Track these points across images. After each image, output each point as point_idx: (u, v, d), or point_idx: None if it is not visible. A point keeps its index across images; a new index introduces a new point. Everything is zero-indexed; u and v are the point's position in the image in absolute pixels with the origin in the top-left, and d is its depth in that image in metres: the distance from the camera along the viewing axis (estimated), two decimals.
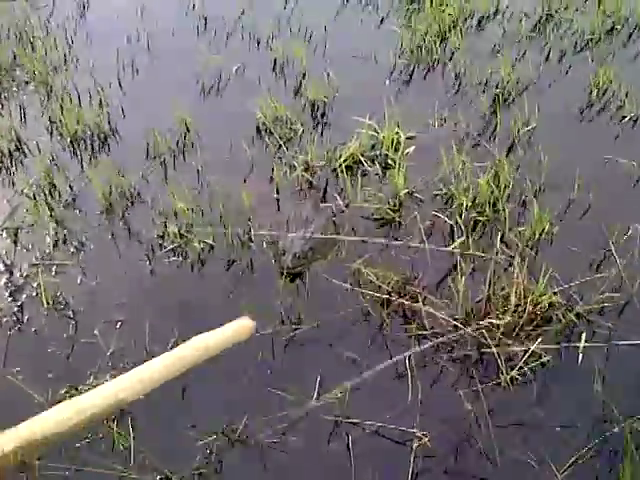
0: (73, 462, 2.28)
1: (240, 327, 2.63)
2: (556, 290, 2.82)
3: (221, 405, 2.48)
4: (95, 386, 2.47)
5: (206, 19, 4.77)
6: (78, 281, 2.94)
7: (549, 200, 3.28)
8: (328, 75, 4.07)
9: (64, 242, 3.12)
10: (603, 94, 4.12)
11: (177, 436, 2.39)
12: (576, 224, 3.26)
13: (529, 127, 3.76)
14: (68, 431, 2.30)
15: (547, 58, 4.45)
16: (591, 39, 4.63)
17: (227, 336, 2.57)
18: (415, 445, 2.38)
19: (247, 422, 2.41)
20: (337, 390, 2.51)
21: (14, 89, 4.07)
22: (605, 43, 4.59)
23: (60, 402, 2.41)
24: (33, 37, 4.46)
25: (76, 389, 2.51)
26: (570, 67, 4.37)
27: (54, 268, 2.99)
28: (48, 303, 2.81)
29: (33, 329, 2.74)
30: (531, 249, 3.04)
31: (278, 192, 3.41)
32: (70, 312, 2.81)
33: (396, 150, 3.59)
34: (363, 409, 2.48)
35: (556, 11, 4.89)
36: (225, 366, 2.57)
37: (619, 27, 4.75)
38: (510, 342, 2.69)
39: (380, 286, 2.87)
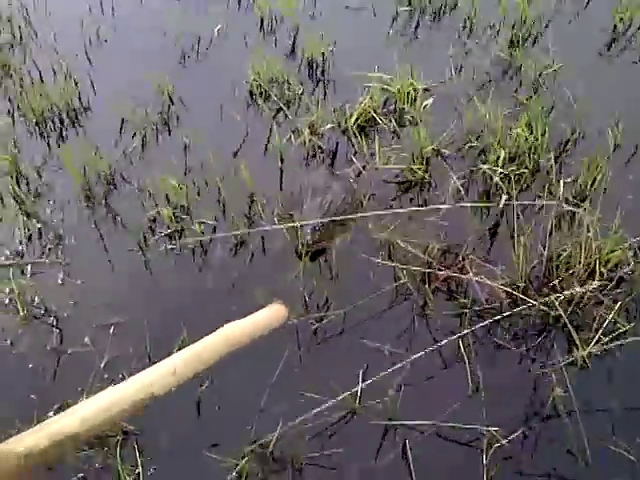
0: None
1: (273, 313, 2.22)
2: (625, 245, 2.39)
3: (246, 415, 2.03)
4: None
5: None
6: (59, 281, 2.46)
7: (591, 146, 2.86)
8: (323, 30, 3.57)
9: (38, 237, 2.63)
10: (628, 28, 3.68)
11: (195, 460, 1.94)
12: (628, 170, 2.84)
13: (554, 67, 3.32)
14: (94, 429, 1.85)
15: None
16: None
17: (259, 323, 2.16)
18: (486, 445, 1.96)
19: (280, 435, 1.97)
20: (383, 388, 2.08)
21: None
22: None
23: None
24: None
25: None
26: (589, 1, 3.92)
27: (29, 268, 2.51)
28: (24, 310, 2.34)
29: (8, 342, 2.27)
30: (584, 201, 2.61)
31: (282, 161, 2.93)
32: (52, 319, 2.34)
33: (412, 104, 3.13)
34: (417, 408, 2.04)
35: None
36: (246, 365, 2.12)
37: None
38: (581, 311, 2.27)
39: (418, 257, 2.43)
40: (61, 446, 1.77)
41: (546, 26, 3.69)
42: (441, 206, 2.60)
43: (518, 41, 3.56)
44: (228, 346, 2.06)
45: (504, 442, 1.94)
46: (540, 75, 3.30)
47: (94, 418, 1.83)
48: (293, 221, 2.51)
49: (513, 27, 3.67)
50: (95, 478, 1.91)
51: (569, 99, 3.06)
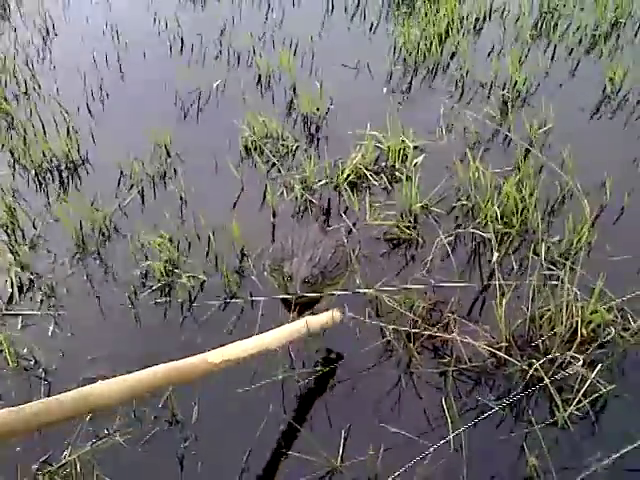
0: None
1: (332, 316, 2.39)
2: (606, 307, 2.42)
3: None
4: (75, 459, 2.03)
5: (182, 39, 4.38)
6: (49, 333, 2.49)
7: (579, 206, 2.91)
8: (320, 86, 3.69)
9: (30, 289, 2.68)
10: (619, 89, 3.79)
11: None
12: (612, 230, 2.89)
13: (545, 127, 3.41)
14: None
15: (553, 56, 4.12)
16: (596, 34, 4.33)
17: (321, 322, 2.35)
18: None
19: None
20: (367, 450, 2.08)
21: None
22: (612, 38, 4.29)
23: None
24: None
25: (50, 465, 2.06)
26: (579, 64, 4.05)
27: (19, 320, 2.54)
28: (14, 362, 2.36)
29: None
30: (569, 261, 2.65)
31: (275, 216, 3.00)
32: (41, 371, 2.36)
33: (403, 161, 3.22)
34: (398, 468, 2.05)
35: (555, 8, 4.59)
36: (231, 420, 2.14)
37: (622, 21, 4.45)
38: (562, 372, 2.29)
39: (405, 315, 2.46)
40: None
41: (537, 86, 3.80)
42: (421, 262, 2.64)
43: (507, 102, 3.67)
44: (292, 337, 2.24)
45: None
46: (530, 135, 3.39)
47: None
48: (283, 273, 2.54)
49: (504, 87, 3.79)
50: None
51: (558, 159, 3.13)
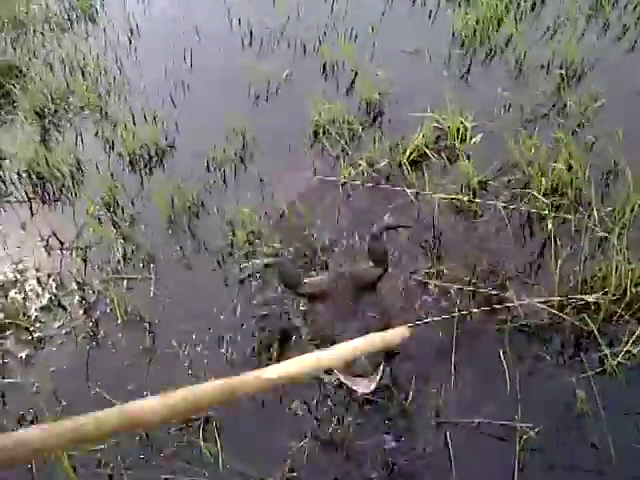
0: (161, 471, 2.21)
1: (399, 333, 2.32)
2: None
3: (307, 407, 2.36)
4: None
5: (251, 32, 4.72)
6: (150, 294, 2.88)
7: (629, 179, 3.07)
8: (378, 74, 3.95)
9: (132, 257, 3.07)
10: None
11: (266, 441, 2.28)
12: None
13: (598, 104, 3.57)
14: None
15: (608, 34, 4.24)
16: None
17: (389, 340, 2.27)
18: (519, 439, 2.20)
19: (337, 427, 2.29)
20: (430, 388, 2.36)
21: (69, 116, 4.08)
22: None
23: None
24: (84, 64, 4.49)
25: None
26: (636, 42, 4.16)
27: (125, 283, 2.94)
28: (122, 317, 2.75)
29: (110, 343, 2.68)
30: (622, 228, 2.83)
31: (343, 189, 3.29)
32: (146, 324, 2.74)
33: (462, 140, 3.45)
34: (459, 407, 2.32)
35: None
36: None
37: None
38: (612, 326, 2.50)
39: (464, 278, 2.72)
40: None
41: (591, 67, 3.94)
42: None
43: (563, 81, 3.83)
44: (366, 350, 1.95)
45: (533, 435, 2.18)
46: (585, 111, 3.55)
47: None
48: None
49: (560, 67, 3.95)
50: (182, 452, 2.27)
51: (612, 134, 3.29)
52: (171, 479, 2.19)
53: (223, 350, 2.58)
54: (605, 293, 2.56)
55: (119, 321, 2.75)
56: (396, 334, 2.29)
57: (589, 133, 3.39)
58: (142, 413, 1.55)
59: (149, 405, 1.62)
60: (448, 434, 2.25)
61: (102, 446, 2.28)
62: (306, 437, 2.25)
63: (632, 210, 2.90)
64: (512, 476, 2.12)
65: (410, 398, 2.35)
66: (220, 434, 2.30)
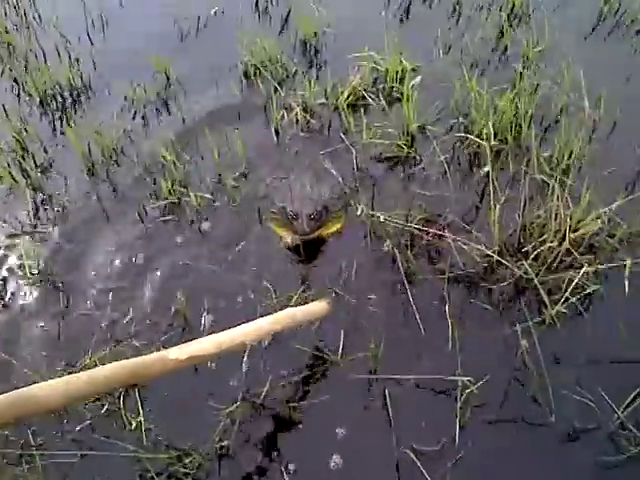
0: (78, 447, 2.01)
1: (319, 307, 2.24)
2: (594, 215, 2.54)
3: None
4: (94, 362, 2.19)
5: None
6: (65, 249, 2.63)
7: (572, 122, 2.99)
8: (316, 10, 3.70)
9: (45, 209, 2.79)
10: (616, 10, 3.80)
11: (192, 408, 2.12)
12: (605, 145, 2.97)
13: (540, 47, 3.45)
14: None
15: None
16: None
17: (310, 313, 2.20)
18: (460, 393, 2.12)
19: (270, 387, 2.14)
20: (368, 345, 2.24)
21: None
22: None
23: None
24: None
25: (73, 366, 2.22)
26: None
27: (37, 237, 2.67)
28: (32, 274, 2.51)
29: (19, 304, 2.44)
30: (562, 173, 2.75)
31: (278, 136, 3.08)
32: (58, 283, 2.50)
33: (401, 82, 3.27)
34: (399, 363, 2.22)
35: None
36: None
37: None
38: (551, 274, 2.43)
39: (403, 226, 2.59)
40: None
41: (532, 11, 3.81)
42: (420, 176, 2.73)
43: (504, 23, 3.68)
44: (282, 326, 2.07)
45: (474, 389, 2.10)
46: (526, 56, 3.42)
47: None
48: (287, 213, 2.55)
49: (500, 9, 3.80)
50: (101, 424, 2.09)
51: (555, 77, 3.19)
52: (90, 455, 2.00)
53: (146, 310, 2.38)
54: (544, 241, 2.48)
55: (29, 279, 2.50)
56: (317, 308, 2.21)
57: (531, 77, 3.27)
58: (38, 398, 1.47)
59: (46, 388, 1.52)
60: (386, 391, 2.14)
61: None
62: (236, 403, 2.10)
63: (570, 155, 2.82)
64: (454, 432, 2.04)
65: (341, 352, 2.24)
66: (143, 402, 2.12)
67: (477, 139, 2.84)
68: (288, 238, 2.60)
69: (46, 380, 1.61)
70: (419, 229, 2.56)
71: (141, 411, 2.10)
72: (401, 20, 3.80)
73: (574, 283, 2.31)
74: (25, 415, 1.54)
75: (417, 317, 2.32)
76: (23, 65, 3.51)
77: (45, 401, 1.50)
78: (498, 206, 2.47)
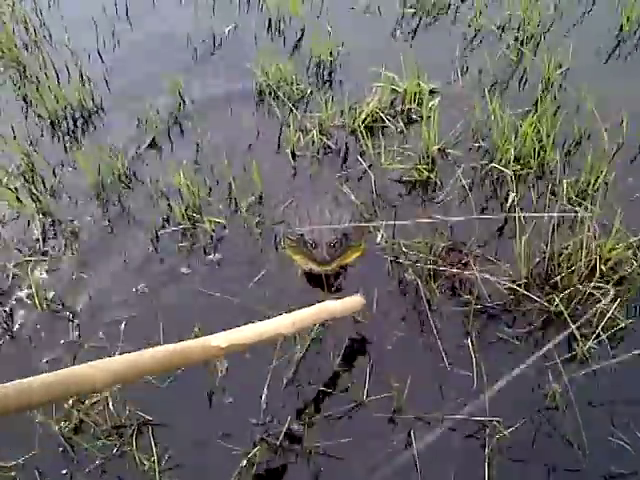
0: None
1: (355, 302, 2.26)
2: (624, 245, 2.44)
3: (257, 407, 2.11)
4: (107, 397, 2.10)
5: None
6: (74, 277, 2.54)
7: (596, 146, 2.90)
8: (330, 30, 3.63)
9: (53, 235, 2.71)
10: (637, 28, 3.72)
11: (208, 448, 2.02)
12: (630, 169, 2.89)
13: (562, 69, 3.36)
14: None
15: None
16: None
17: (347, 307, 2.21)
18: (488, 435, 2.02)
19: (290, 425, 2.05)
20: (392, 382, 2.15)
21: None
22: None
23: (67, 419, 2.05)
24: None
25: (82, 403, 2.13)
26: (594, 3, 3.96)
27: (45, 265, 2.59)
28: (41, 306, 2.42)
29: (26, 336, 2.35)
30: (589, 200, 2.66)
31: (294, 159, 3.00)
32: (69, 313, 2.41)
33: (419, 104, 3.19)
34: (423, 401, 2.12)
35: None
36: (256, 361, 2.20)
37: None
38: (581, 307, 2.33)
39: (424, 257, 2.49)
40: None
41: (550, 27, 3.73)
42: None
43: (523, 42, 3.61)
44: (319, 318, 2.11)
45: (506, 433, 2.00)
46: (547, 77, 3.34)
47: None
48: (305, 241, 2.45)
49: (519, 28, 3.72)
50: (112, 466, 1.99)
51: (576, 100, 3.11)
52: None
53: (159, 340, 2.29)
54: (573, 271, 2.39)
55: (38, 310, 2.41)
56: (353, 302, 2.23)
57: (552, 100, 3.19)
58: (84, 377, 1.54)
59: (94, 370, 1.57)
60: (412, 432, 2.04)
61: (15, 462, 1.98)
62: (255, 446, 2.00)
63: (596, 180, 2.73)
64: (483, 477, 1.94)
65: (366, 391, 2.14)
66: (157, 442, 2.02)
67: (500, 167, 2.76)
68: (307, 266, 2.50)
69: None
70: (442, 259, 2.47)
71: (154, 451, 2.00)
72: (417, 40, 3.71)
73: (606, 318, 2.22)
74: (74, 394, 1.67)
75: (443, 352, 2.23)
76: (33, 85, 3.44)
77: (97, 379, 1.56)
78: (524, 237, 2.38)
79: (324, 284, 2.46)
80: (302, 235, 2.47)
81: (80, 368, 1.57)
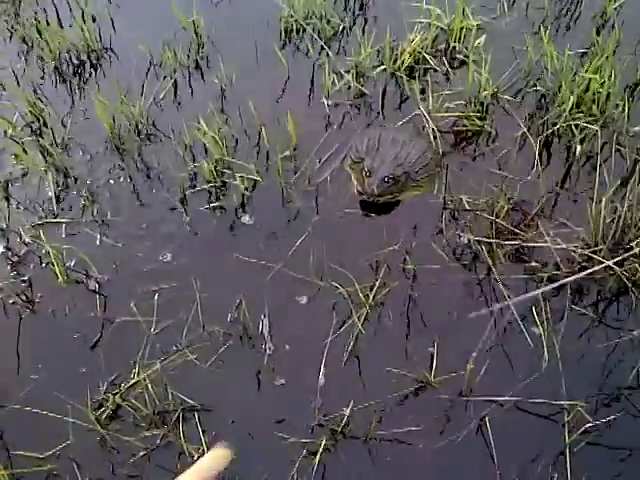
0: None
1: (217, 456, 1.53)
2: None
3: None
4: (145, 379, 1.89)
5: None
6: (97, 242, 2.29)
7: None
8: None
9: (69, 194, 2.45)
10: None
11: (260, 436, 1.84)
12: None
13: (618, 3, 3.04)
14: None
15: None
16: None
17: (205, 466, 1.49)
18: (566, 419, 1.84)
19: (351, 412, 1.86)
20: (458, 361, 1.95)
21: None
22: None
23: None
24: None
25: (119, 386, 1.92)
26: None
27: (63, 228, 2.33)
28: (62, 275, 2.17)
29: (49, 310, 2.12)
30: None
31: (329, 105, 2.71)
32: (95, 284, 2.18)
33: (464, 43, 2.88)
34: (492, 382, 1.92)
35: None
36: (301, 334, 2.00)
37: None
38: None
39: (485, 217, 2.26)
40: None
41: None
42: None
43: None
44: None
45: (584, 413, 1.82)
46: (603, 12, 3.02)
47: None
48: (362, 167, 2.34)
49: None
50: (158, 456, 1.81)
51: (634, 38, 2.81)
52: None
53: (197, 313, 2.07)
54: None
55: (59, 280, 2.17)
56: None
57: (612, 37, 2.88)
58: None
59: None
60: (486, 417, 1.86)
61: (51, 451, 1.79)
62: (313, 433, 1.82)
63: None
64: (564, 464, 1.77)
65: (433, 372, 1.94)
66: (205, 430, 1.84)
67: (566, 115, 2.49)
68: (358, 189, 2.37)
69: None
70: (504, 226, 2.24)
71: (203, 440, 1.82)
72: None
73: None
74: None
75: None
76: (33, 24, 3.08)
77: None
78: (595, 195, 2.14)
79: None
80: (363, 160, 2.36)
81: None
